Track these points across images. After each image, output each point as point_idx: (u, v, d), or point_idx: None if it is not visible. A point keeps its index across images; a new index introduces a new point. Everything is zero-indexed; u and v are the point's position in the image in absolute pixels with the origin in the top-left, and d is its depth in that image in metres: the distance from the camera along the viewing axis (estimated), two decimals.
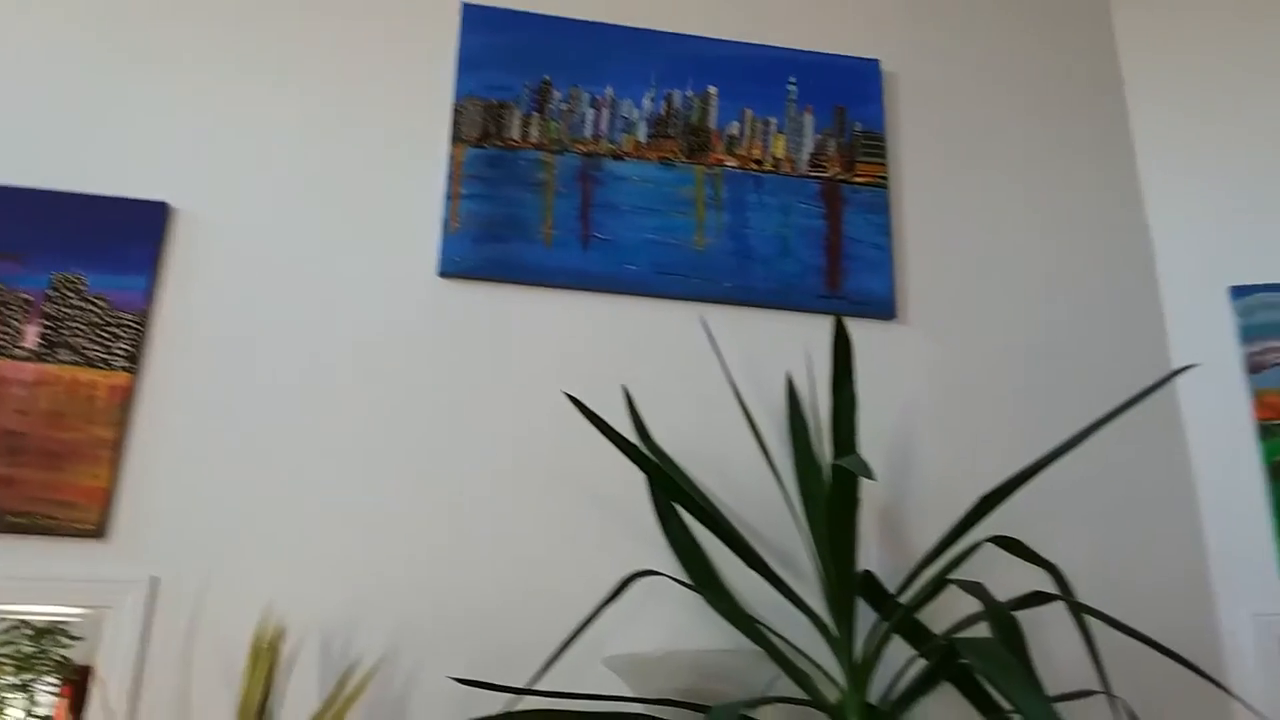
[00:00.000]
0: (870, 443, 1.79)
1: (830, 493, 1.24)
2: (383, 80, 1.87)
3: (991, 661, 1.08)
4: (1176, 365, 1.95)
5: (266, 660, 1.29)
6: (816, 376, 1.81)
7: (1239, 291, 1.96)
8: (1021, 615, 1.73)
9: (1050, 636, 1.72)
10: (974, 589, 1.19)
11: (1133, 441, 1.90)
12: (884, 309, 1.86)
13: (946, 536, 1.34)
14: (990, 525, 1.78)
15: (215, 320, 1.67)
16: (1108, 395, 1.92)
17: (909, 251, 1.94)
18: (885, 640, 1.31)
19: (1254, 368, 1.91)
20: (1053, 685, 1.68)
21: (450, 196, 1.77)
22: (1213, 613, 1.79)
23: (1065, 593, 1.49)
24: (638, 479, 1.68)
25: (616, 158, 1.86)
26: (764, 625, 1.47)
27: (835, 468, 1.14)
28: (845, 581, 1.33)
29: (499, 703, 1.51)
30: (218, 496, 1.56)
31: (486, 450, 1.67)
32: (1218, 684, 1.12)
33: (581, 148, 1.86)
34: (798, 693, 1.48)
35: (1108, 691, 1.26)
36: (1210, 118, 2.09)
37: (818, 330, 1.84)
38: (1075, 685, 1.70)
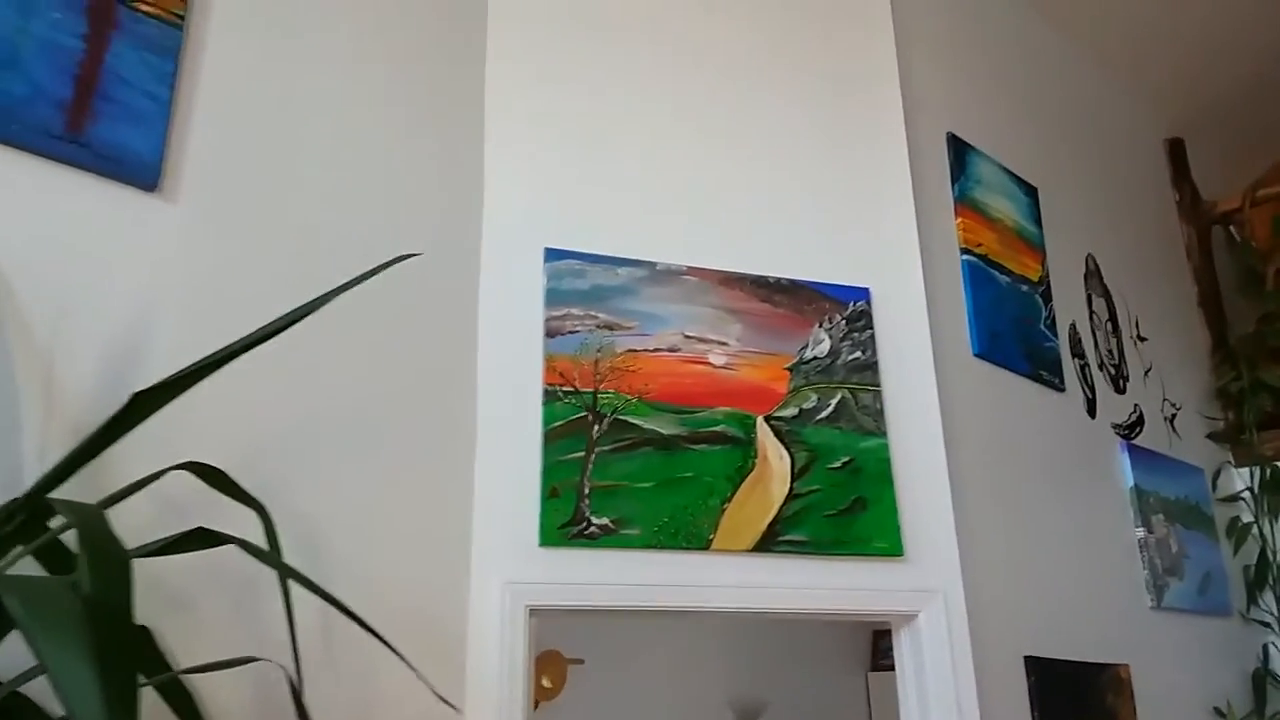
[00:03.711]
0: (90, 345, 1.35)
1: None
2: None
3: (35, 608, 0.74)
4: (486, 317, 1.83)
5: None
6: (36, 239, 1.32)
7: (552, 254, 1.92)
8: (245, 569, 1.43)
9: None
10: (75, 510, 0.84)
11: (425, 390, 1.73)
12: (144, 174, 1.45)
13: (83, 447, 0.96)
14: (242, 457, 1.46)
15: None
16: (405, 320, 1.73)
17: (198, 117, 1.55)
18: None
19: (551, 332, 1.87)
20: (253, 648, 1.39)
21: None
22: (466, 574, 1.68)
23: (271, 540, 1.23)
24: None
25: None
26: None
27: None
28: None
29: None
30: None
31: None
32: (410, 665, 0.91)
33: None
34: None
35: (301, 658, 1.00)
36: (558, 85, 2.04)
37: (46, 179, 1.36)
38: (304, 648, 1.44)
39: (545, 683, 4.73)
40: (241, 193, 1.58)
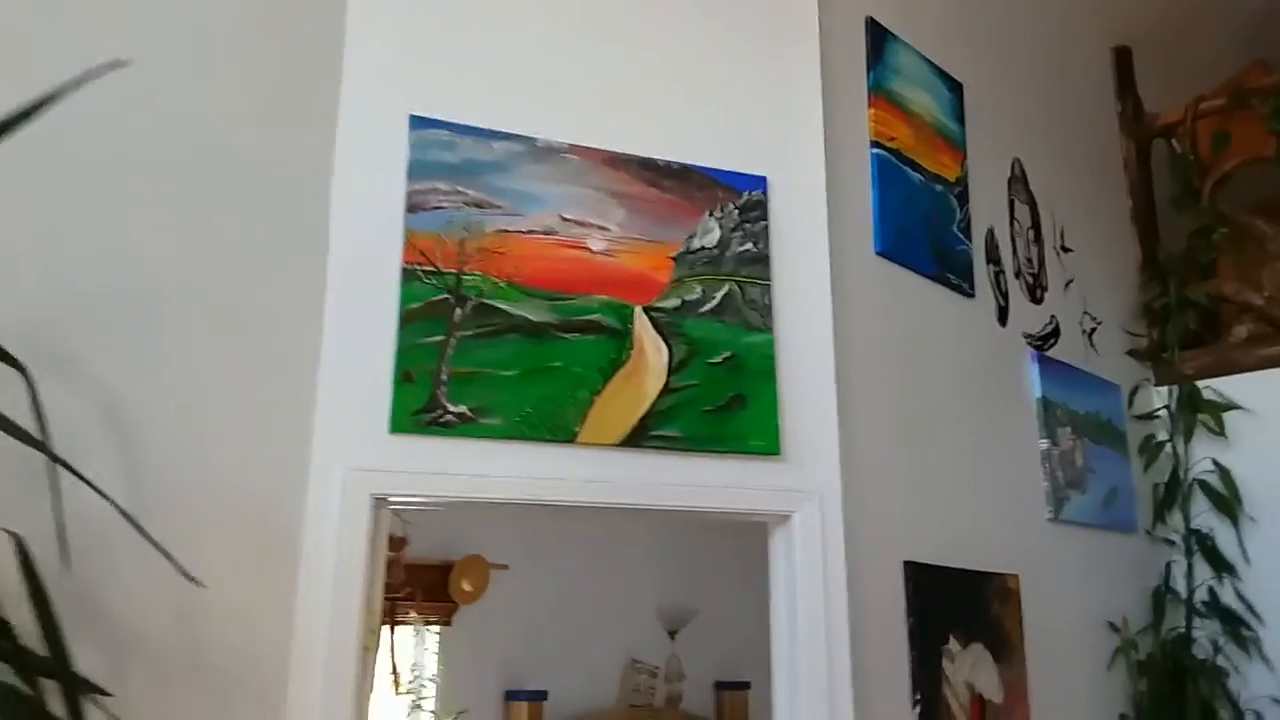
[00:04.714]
0: None
1: None
2: None
3: None
4: (340, 187, 1.69)
5: None
6: None
7: (418, 122, 1.77)
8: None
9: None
10: None
11: (270, 259, 1.60)
12: None
13: None
14: (45, 318, 1.34)
15: None
16: (250, 182, 1.59)
17: None
18: None
19: (413, 206, 1.74)
20: None
21: None
22: (306, 459, 1.58)
23: (35, 407, 1.12)
24: None
25: None
26: None
27: None
28: None
29: None
30: None
31: None
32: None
33: None
34: None
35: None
36: None
37: None
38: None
39: (466, 586, 4.70)
40: (53, 35, 1.42)
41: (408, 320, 1.69)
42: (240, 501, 1.51)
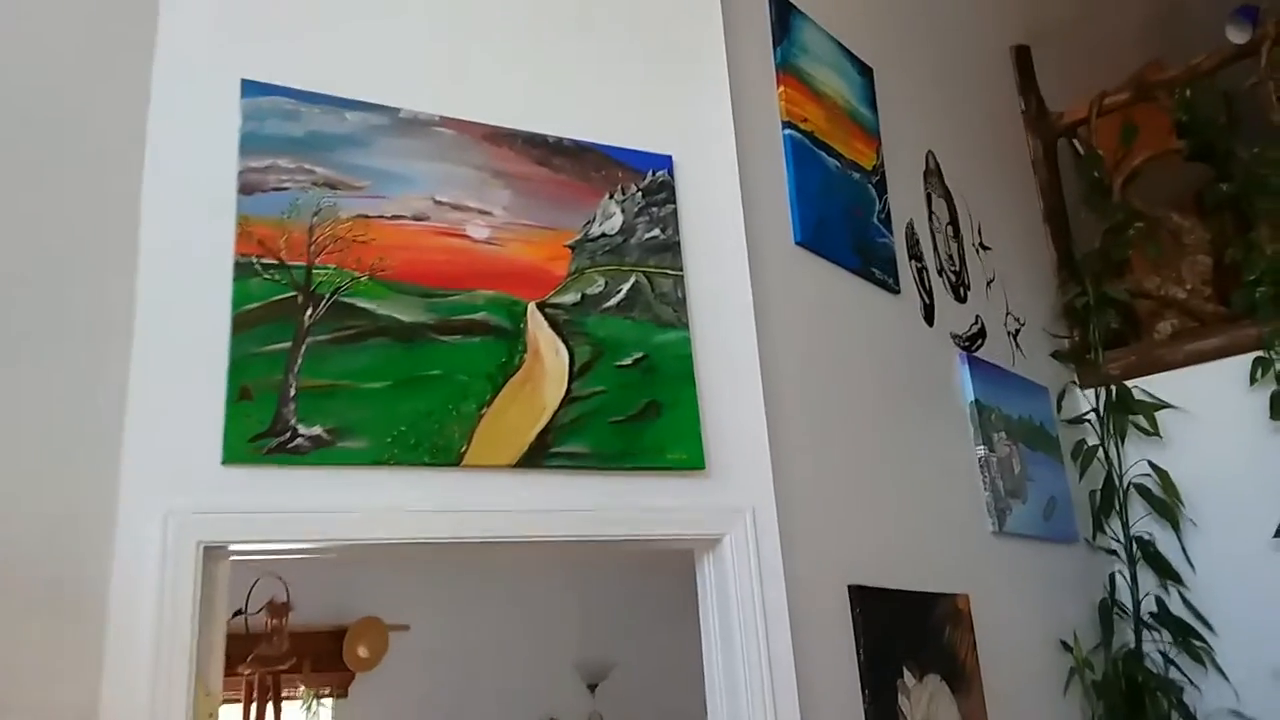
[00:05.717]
0: None
1: None
2: None
3: None
4: (154, 165, 1.37)
5: None
6: None
7: (252, 88, 1.47)
8: None
9: None
10: None
11: (60, 255, 1.27)
12: None
13: None
14: None
15: None
16: (36, 161, 1.26)
17: None
18: None
19: (247, 188, 1.43)
20: None
21: None
22: (114, 501, 1.24)
23: None
24: None
25: None
26: None
27: None
28: None
29: None
30: None
31: None
32: None
33: None
34: None
35: None
36: None
37: None
38: None
39: (362, 652, 4.27)
40: None
41: (243, 324, 1.37)
42: (21, 558, 1.17)
